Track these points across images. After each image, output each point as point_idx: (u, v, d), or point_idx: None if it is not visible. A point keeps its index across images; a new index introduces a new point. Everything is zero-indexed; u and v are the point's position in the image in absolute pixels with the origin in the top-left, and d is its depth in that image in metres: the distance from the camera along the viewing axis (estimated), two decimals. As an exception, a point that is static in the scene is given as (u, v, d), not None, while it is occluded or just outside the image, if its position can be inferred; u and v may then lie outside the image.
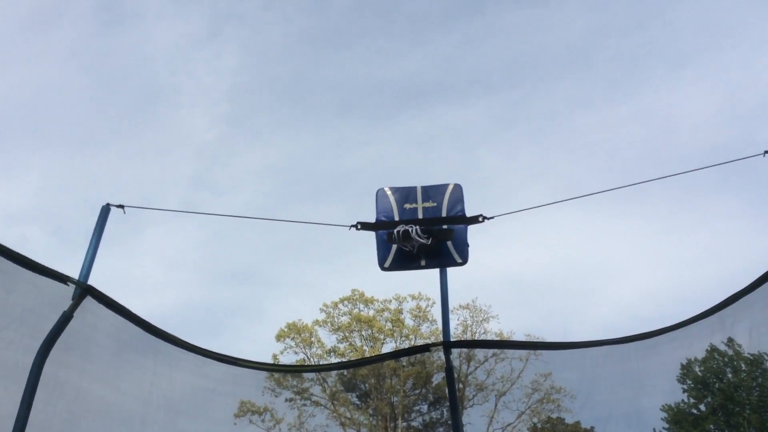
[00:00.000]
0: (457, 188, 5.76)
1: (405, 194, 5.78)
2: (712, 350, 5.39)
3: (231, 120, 57.11)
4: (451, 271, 5.61)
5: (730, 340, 5.06)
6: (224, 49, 58.67)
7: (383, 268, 5.58)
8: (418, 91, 56.99)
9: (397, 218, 5.62)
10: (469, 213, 5.63)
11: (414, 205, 5.71)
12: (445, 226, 5.55)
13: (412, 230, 5.34)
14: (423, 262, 5.52)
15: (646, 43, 55.18)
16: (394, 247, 5.50)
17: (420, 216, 5.62)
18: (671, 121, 51.22)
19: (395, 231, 5.39)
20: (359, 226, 5.66)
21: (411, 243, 5.34)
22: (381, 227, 5.62)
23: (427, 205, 5.70)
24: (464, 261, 5.51)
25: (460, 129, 54.83)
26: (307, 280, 45.97)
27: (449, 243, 5.48)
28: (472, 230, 5.59)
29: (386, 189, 5.83)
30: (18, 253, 4.17)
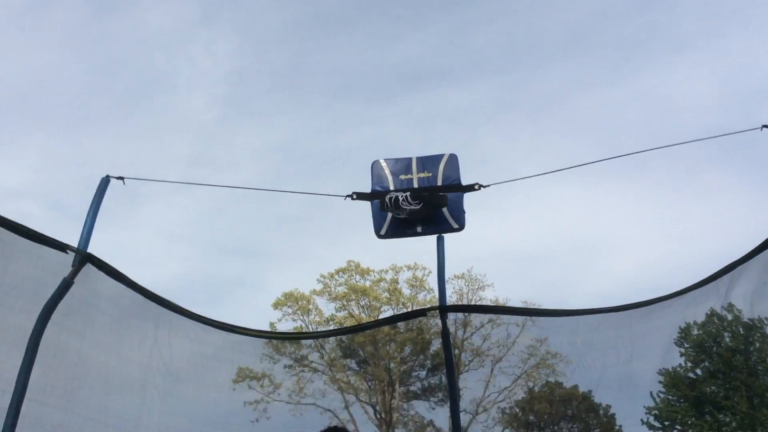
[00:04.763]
0: (453, 158, 5.73)
1: (401, 165, 5.76)
2: (712, 314, 5.45)
3: (229, 102, 56.61)
4: (448, 242, 5.61)
5: (731, 305, 5.09)
6: (221, 32, 57.79)
7: (379, 236, 5.59)
8: (417, 74, 56.37)
9: (392, 188, 5.60)
10: (465, 183, 5.61)
11: (409, 176, 5.68)
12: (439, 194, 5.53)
13: (401, 197, 5.34)
14: (419, 229, 5.53)
15: (647, 26, 54.52)
16: (390, 215, 5.50)
17: (415, 186, 5.61)
18: (672, 103, 50.89)
19: (386, 198, 5.39)
20: (354, 196, 5.66)
21: (402, 210, 5.34)
22: (376, 197, 5.60)
23: (422, 175, 5.68)
24: (461, 227, 5.51)
25: (460, 110, 54.33)
26: (306, 253, 46.09)
27: (445, 209, 5.48)
28: (471, 203, 5.58)
29: (381, 161, 5.81)
30: (16, 223, 4.16)
